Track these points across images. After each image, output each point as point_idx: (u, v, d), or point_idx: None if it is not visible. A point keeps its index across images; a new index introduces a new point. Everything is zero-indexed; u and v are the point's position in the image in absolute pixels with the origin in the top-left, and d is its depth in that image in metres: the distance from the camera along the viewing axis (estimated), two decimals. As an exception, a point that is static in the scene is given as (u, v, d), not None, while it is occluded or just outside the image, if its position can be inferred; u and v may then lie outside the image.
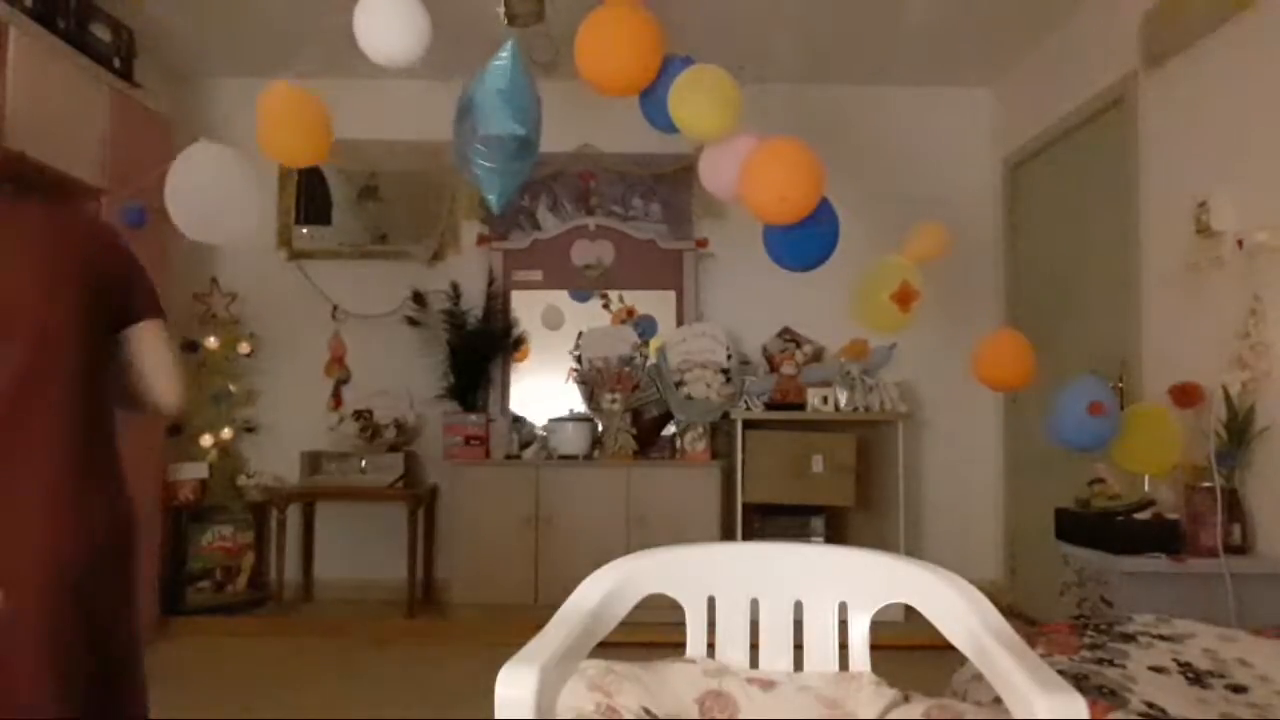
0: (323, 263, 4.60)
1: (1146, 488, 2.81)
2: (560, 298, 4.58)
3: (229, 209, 2.58)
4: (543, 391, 4.50)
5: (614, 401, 4.17)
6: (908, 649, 2.66)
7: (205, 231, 2.61)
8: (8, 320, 1.28)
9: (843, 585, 1.47)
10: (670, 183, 4.62)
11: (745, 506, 4.01)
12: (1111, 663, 1.74)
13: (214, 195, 2.52)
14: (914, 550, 4.09)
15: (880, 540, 4.10)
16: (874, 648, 1.45)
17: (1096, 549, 2.67)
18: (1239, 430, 2.66)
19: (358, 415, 4.37)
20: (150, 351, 1.44)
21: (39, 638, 1.25)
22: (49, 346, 1.30)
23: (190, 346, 4.32)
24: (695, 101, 2.35)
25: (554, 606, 1.37)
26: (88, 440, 1.35)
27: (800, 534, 4.11)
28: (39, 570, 1.26)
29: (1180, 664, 1.75)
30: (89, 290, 1.35)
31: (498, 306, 4.51)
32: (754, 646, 1.49)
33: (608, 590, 1.41)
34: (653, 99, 2.45)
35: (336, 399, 4.50)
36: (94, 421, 1.36)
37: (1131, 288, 3.33)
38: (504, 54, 2.38)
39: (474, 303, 4.49)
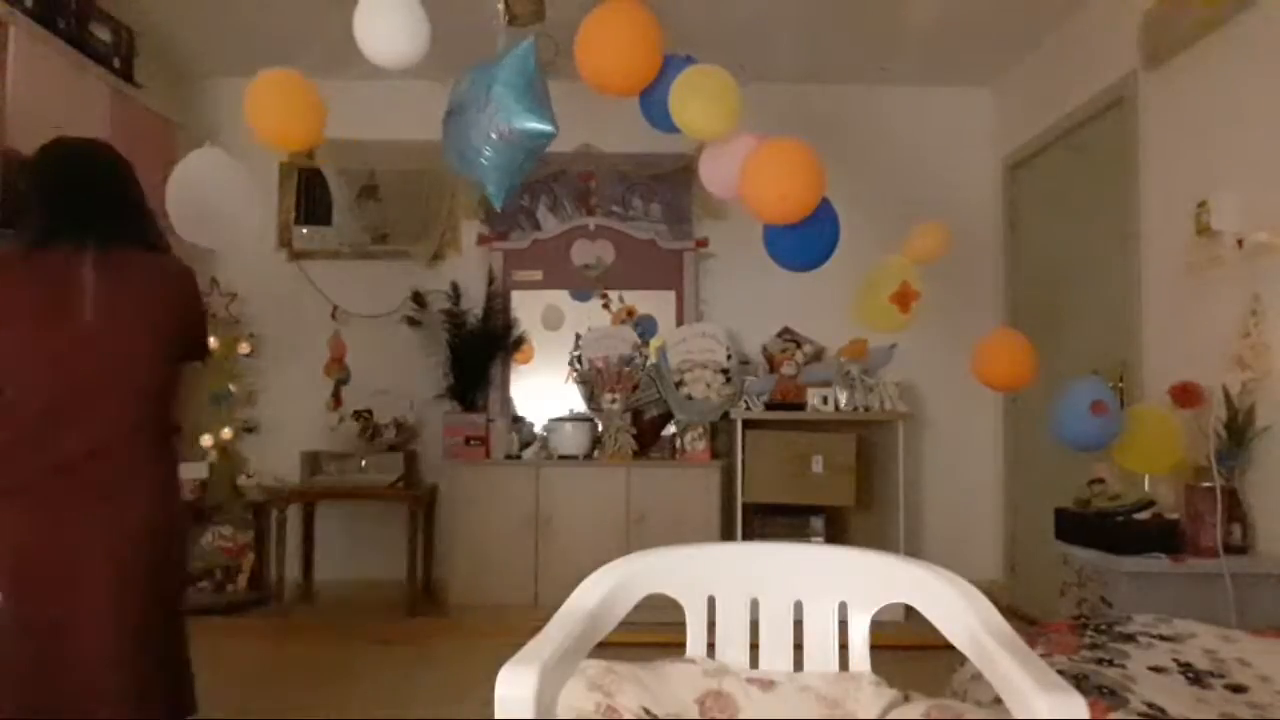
0: (323, 263, 4.60)
1: (1146, 488, 2.81)
2: (560, 298, 4.58)
3: (228, 214, 2.58)
4: (543, 391, 4.50)
5: (614, 401, 4.17)
6: (908, 649, 2.66)
7: (204, 235, 2.60)
8: (113, 363, 1.70)
9: (843, 585, 1.47)
10: (670, 183, 4.62)
11: (745, 506, 4.01)
12: (1111, 663, 1.74)
13: (213, 200, 2.51)
14: (914, 550, 4.09)
15: (880, 540, 4.10)
16: (874, 648, 1.45)
17: (1096, 549, 2.67)
18: (1239, 430, 2.66)
19: (358, 415, 4.37)
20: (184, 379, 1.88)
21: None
22: (144, 381, 1.75)
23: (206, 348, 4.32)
24: (695, 101, 2.35)
25: (554, 606, 1.37)
26: (164, 450, 1.79)
27: (800, 534, 4.11)
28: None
29: (1180, 664, 1.75)
30: (174, 340, 1.80)
31: (498, 306, 4.51)
32: (754, 646, 1.49)
33: (608, 590, 1.41)
34: (653, 99, 2.45)
35: (336, 399, 4.50)
36: (165, 439, 1.80)
37: (1131, 288, 3.33)
38: (523, 49, 2.36)
39: (474, 303, 4.49)
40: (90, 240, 1.75)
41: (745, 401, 4.12)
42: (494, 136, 2.32)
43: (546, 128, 2.31)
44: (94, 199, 1.81)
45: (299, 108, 2.45)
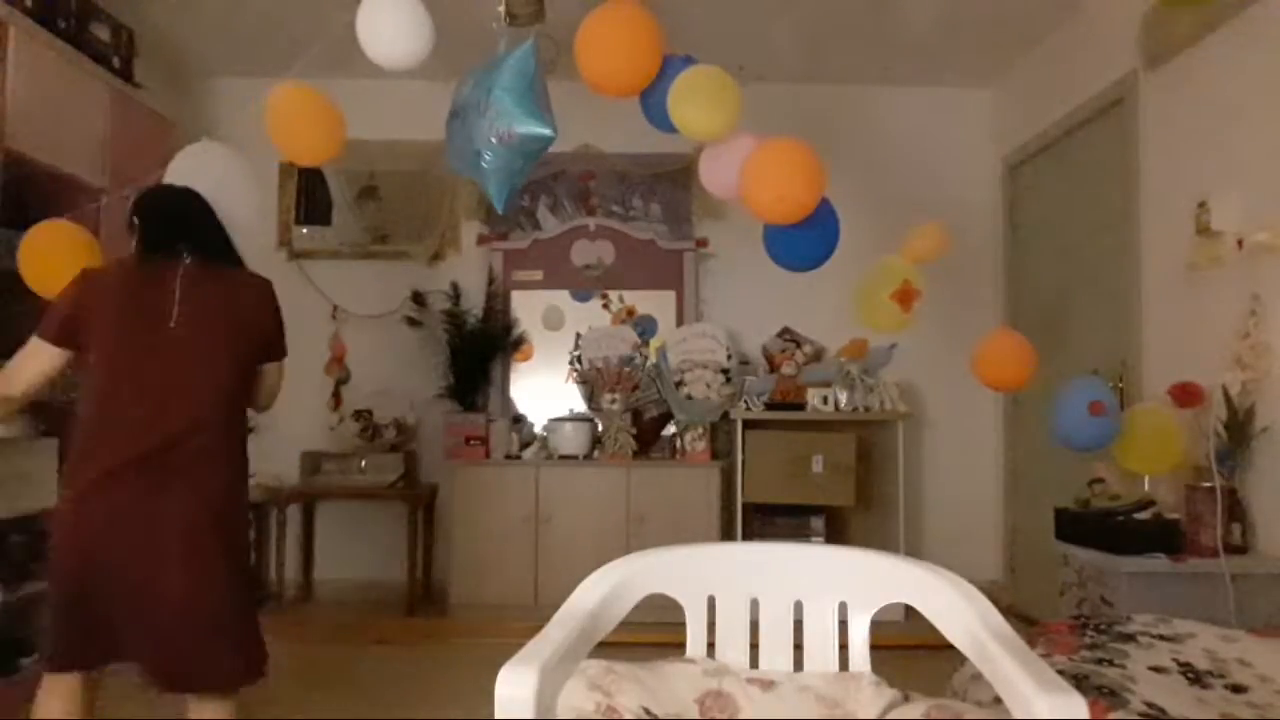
0: (323, 263, 4.60)
1: (1146, 488, 2.81)
2: (560, 298, 4.58)
3: (228, 207, 2.58)
4: (543, 391, 4.50)
5: (614, 401, 4.17)
6: (908, 649, 2.66)
7: None
8: (198, 359, 1.93)
9: (843, 585, 1.47)
10: (670, 183, 4.62)
11: (745, 506, 4.01)
12: (1111, 663, 1.74)
13: (213, 193, 2.51)
14: (914, 550, 4.09)
15: (880, 540, 4.10)
16: (874, 648, 1.45)
17: (1096, 549, 2.67)
18: (1239, 430, 2.66)
19: (358, 415, 4.37)
20: (267, 379, 2.22)
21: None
22: (224, 377, 1.97)
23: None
24: (695, 101, 2.35)
25: (554, 606, 1.36)
26: (238, 439, 2.03)
27: (800, 534, 4.11)
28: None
29: (1180, 664, 1.75)
30: (253, 342, 2.08)
31: (498, 306, 4.51)
32: (754, 646, 1.49)
33: (608, 590, 1.41)
34: (653, 99, 2.44)
35: (336, 399, 4.50)
36: (239, 427, 2.04)
37: (1132, 287, 3.33)
38: (523, 52, 2.36)
39: (474, 303, 4.49)
40: (183, 254, 2.00)
41: (745, 401, 4.12)
42: (494, 140, 2.32)
43: (546, 131, 2.31)
44: (185, 223, 2.09)
45: (323, 123, 2.50)
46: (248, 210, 2.65)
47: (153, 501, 1.83)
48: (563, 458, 4.15)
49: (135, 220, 2.08)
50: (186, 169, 2.49)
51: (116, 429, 1.85)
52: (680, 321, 4.52)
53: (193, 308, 1.95)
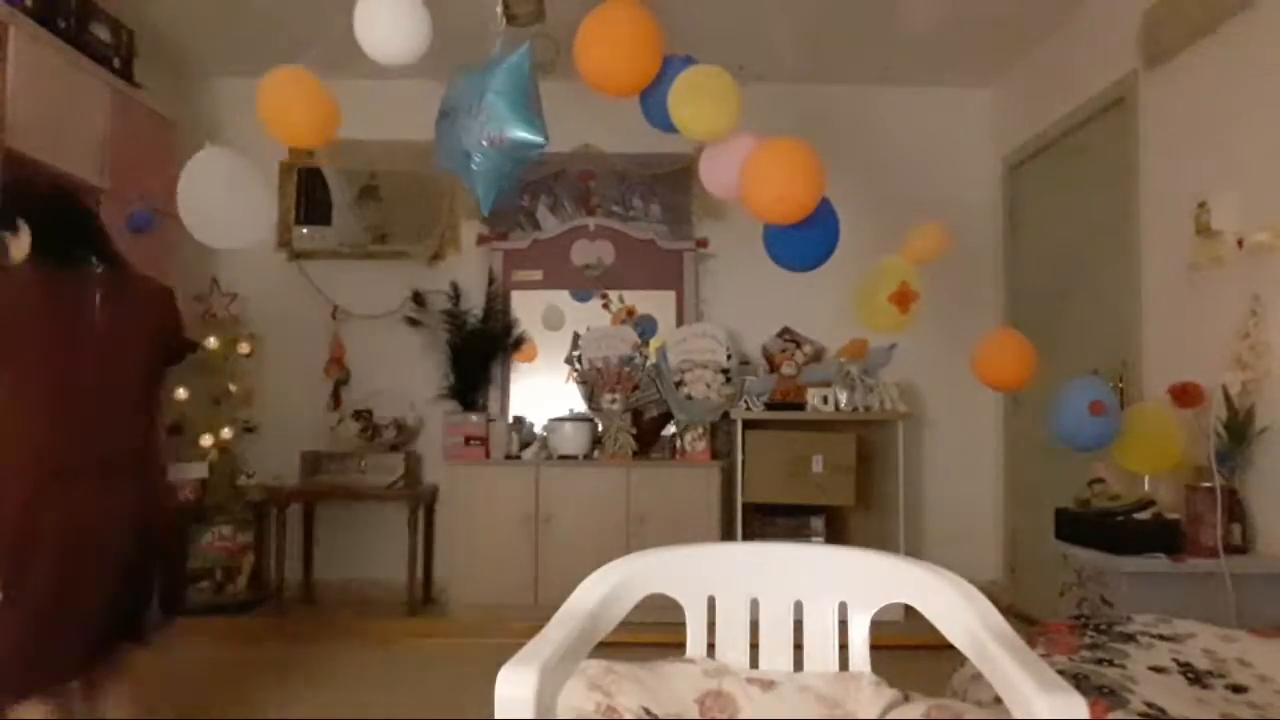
0: (323, 263, 4.60)
1: (1146, 488, 2.81)
2: (560, 298, 4.58)
3: (241, 214, 2.58)
4: (543, 391, 4.50)
5: (614, 401, 4.17)
6: (908, 649, 2.66)
7: (217, 237, 2.61)
8: (112, 367, 2.02)
9: (843, 585, 1.47)
10: (670, 183, 4.62)
11: (745, 506, 4.01)
12: (1111, 663, 1.74)
13: (226, 200, 2.52)
14: (914, 550, 4.09)
15: (880, 540, 4.10)
16: (874, 648, 1.45)
17: (1096, 549, 2.67)
18: (1239, 430, 2.66)
19: (358, 415, 4.37)
20: (171, 380, 2.14)
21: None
22: (137, 383, 2.07)
23: (190, 347, 4.31)
24: (695, 101, 2.35)
25: (554, 606, 1.37)
26: (154, 443, 2.15)
27: (800, 534, 4.11)
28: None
29: (1180, 664, 1.75)
30: (159, 347, 2.14)
31: (498, 306, 4.51)
32: (754, 646, 1.49)
33: (608, 590, 1.41)
34: (653, 99, 2.44)
35: (336, 399, 4.50)
36: (154, 432, 2.16)
37: (1131, 288, 3.33)
38: (518, 56, 2.36)
39: (474, 303, 4.49)
40: (87, 262, 2.05)
41: (745, 401, 4.12)
42: (484, 143, 2.32)
43: (538, 138, 2.32)
44: (85, 230, 2.12)
45: (314, 104, 2.49)
46: (259, 215, 2.65)
47: (77, 506, 1.91)
48: (563, 458, 4.14)
49: (21, 223, 2.04)
50: (199, 175, 2.49)
51: (30, 440, 1.91)
52: (680, 321, 4.52)
53: (104, 316, 2.01)
